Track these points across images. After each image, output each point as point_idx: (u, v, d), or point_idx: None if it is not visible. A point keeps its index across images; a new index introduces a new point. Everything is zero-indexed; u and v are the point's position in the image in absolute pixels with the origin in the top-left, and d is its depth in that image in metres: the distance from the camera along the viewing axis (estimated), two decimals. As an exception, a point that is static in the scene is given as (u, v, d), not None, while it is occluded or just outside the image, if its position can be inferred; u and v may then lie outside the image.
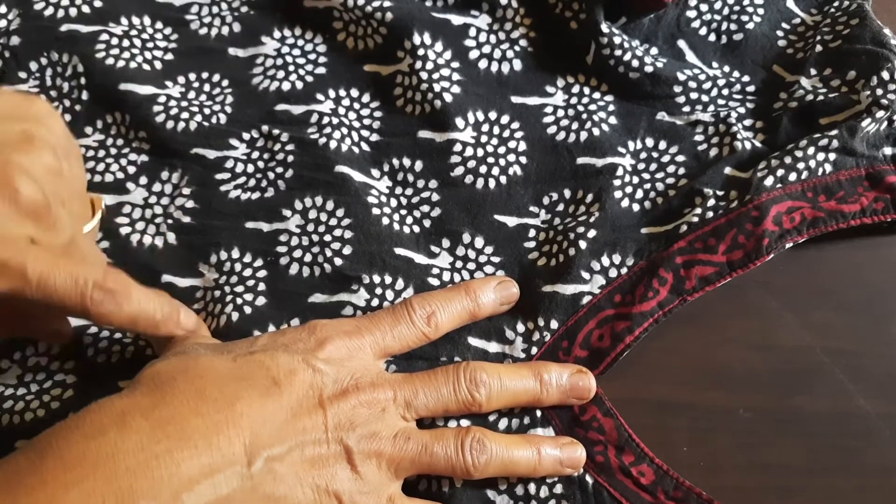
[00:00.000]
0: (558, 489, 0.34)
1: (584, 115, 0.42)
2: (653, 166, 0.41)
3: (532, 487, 0.34)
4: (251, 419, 0.30)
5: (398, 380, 0.34)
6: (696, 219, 0.38)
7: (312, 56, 0.44)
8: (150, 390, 0.30)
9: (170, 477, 0.27)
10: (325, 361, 0.33)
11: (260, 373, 0.31)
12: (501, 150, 0.41)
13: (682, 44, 0.44)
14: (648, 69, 0.42)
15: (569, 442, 0.35)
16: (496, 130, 0.42)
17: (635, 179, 0.41)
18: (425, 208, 0.41)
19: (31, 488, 0.26)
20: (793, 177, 0.39)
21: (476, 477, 0.33)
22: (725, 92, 0.43)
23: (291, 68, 0.44)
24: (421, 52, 0.42)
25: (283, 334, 0.34)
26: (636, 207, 0.40)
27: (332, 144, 0.41)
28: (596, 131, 0.42)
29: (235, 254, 0.39)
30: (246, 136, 0.42)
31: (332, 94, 0.43)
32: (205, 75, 0.44)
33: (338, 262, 0.39)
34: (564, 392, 0.35)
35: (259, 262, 0.39)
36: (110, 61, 0.43)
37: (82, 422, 0.28)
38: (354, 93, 0.43)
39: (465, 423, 0.35)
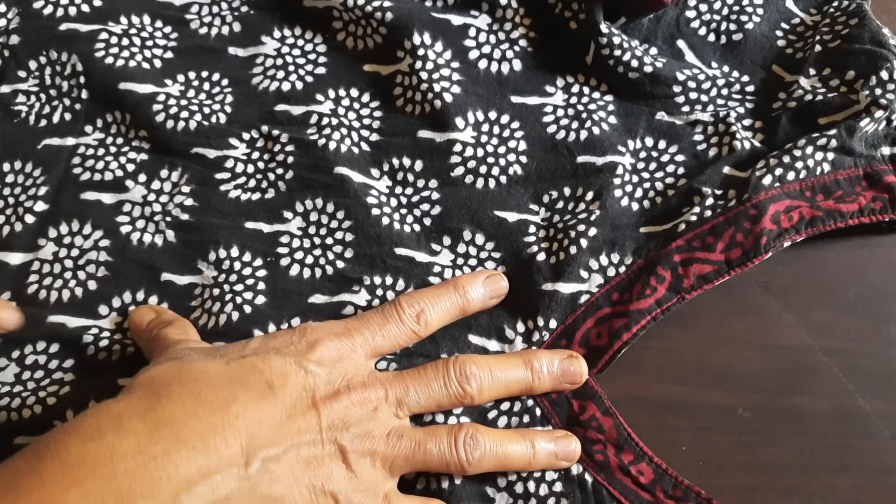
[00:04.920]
0: (557, 487, 0.34)
1: (584, 115, 0.42)
2: (652, 165, 0.41)
3: (531, 485, 0.34)
4: (247, 421, 0.30)
5: (389, 378, 0.34)
6: (694, 217, 0.38)
7: (312, 56, 0.44)
8: (145, 394, 0.30)
9: (168, 478, 0.27)
10: (317, 363, 0.33)
11: (253, 376, 0.31)
12: (501, 149, 0.41)
13: (681, 44, 0.44)
14: (648, 69, 0.42)
15: (563, 435, 0.35)
16: (496, 130, 0.42)
17: (635, 178, 0.41)
18: (426, 206, 0.41)
19: (31, 489, 0.26)
20: (791, 176, 0.39)
21: (471, 472, 0.33)
22: (725, 92, 0.43)
23: (291, 68, 0.44)
24: (421, 52, 0.42)
25: (273, 338, 0.34)
26: (635, 206, 0.40)
27: (332, 145, 0.41)
28: (596, 130, 0.42)
29: (235, 252, 0.39)
30: (246, 136, 0.42)
31: (331, 93, 0.43)
32: (204, 74, 0.44)
33: (339, 264, 0.39)
34: (556, 378, 0.35)
35: (259, 262, 0.39)
36: (110, 60, 0.43)
37: (79, 425, 0.28)
38: (354, 93, 0.43)
39: (464, 419, 0.35)
